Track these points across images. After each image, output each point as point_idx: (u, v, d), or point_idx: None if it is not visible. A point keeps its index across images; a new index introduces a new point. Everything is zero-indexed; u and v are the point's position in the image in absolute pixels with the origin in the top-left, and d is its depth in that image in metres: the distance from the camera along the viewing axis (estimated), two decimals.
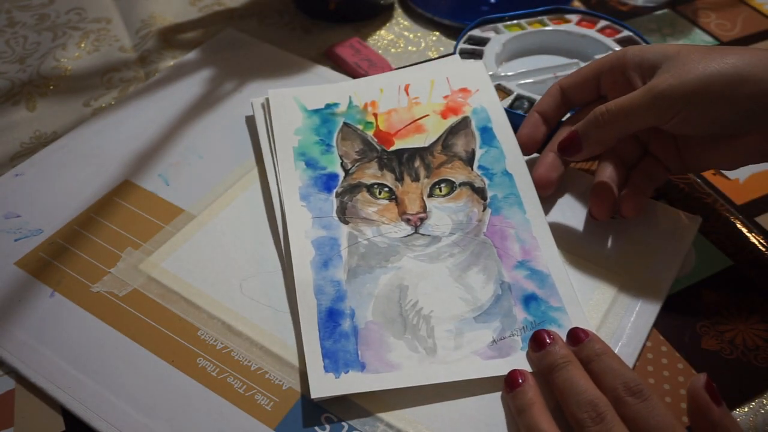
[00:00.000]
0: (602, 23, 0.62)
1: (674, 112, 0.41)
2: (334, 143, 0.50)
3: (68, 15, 0.68)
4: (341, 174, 0.48)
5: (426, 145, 0.50)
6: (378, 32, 0.66)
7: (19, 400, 0.39)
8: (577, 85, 0.48)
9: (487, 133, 0.51)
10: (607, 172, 0.46)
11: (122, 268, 0.45)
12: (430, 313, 0.42)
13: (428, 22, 0.68)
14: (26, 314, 0.43)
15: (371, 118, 0.52)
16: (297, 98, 0.53)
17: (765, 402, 0.39)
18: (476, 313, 0.42)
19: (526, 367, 0.39)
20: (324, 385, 0.38)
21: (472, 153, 0.50)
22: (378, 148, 0.50)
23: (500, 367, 0.39)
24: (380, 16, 0.68)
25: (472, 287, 0.43)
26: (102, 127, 0.55)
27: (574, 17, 0.63)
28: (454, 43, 0.61)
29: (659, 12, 0.69)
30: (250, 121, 0.54)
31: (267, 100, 0.53)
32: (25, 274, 0.45)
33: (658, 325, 0.43)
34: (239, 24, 0.67)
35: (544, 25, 0.63)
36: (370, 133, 0.51)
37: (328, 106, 0.52)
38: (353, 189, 0.47)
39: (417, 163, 0.49)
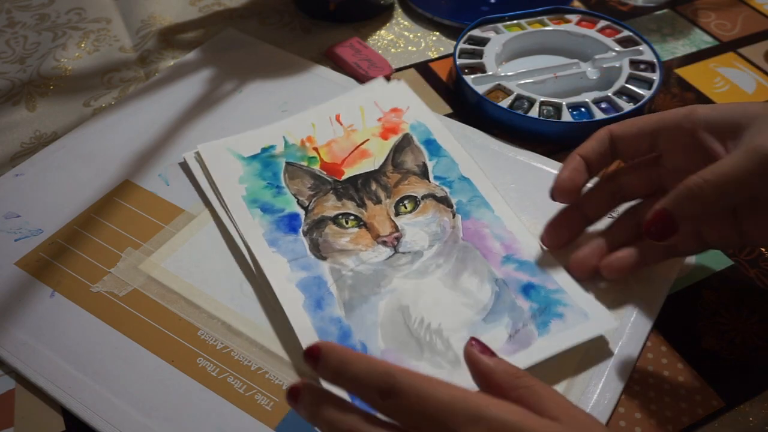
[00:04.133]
0: (602, 23, 0.62)
1: None
2: (283, 184, 0.49)
3: (68, 15, 0.68)
4: (301, 212, 0.47)
5: (376, 167, 0.50)
6: (378, 32, 0.66)
7: (19, 400, 0.39)
8: (631, 136, 0.42)
9: (432, 145, 0.51)
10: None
11: (122, 268, 0.45)
12: (439, 326, 0.41)
13: (428, 22, 0.68)
14: (26, 314, 0.43)
15: (313, 153, 0.51)
16: (230, 148, 0.51)
17: (765, 402, 0.39)
18: (483, 314, 0.41)
19: (548, 353, 0.39)
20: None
21: (424, 166, 0.50)
22: (329, 179, 0.49)
23: (526, 358, 0.39)
24: (380, 16, 0.68)
25: (470, 291, 0.43)
26: (102, 127, 0.55)
27: (574, 17, 0.63)
28: (454, 43, 0.61)
29: (659, 12, 0.69)
30: (188, 171, 0.51)
31: (198, 153, 0.51)
32: (25, 274, 0.45)
33: (658, 325, 0.43)
34: (239, 24, 0.67)
35: (544, 25, 0.63)
36: (316, 167, 0.50)
37: (264, 150, 0.51)
38: (319, 224, 0.46)
39: (374, 186, 0.48)
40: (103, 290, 0.44)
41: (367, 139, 0.52)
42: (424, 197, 0.48)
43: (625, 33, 0.61)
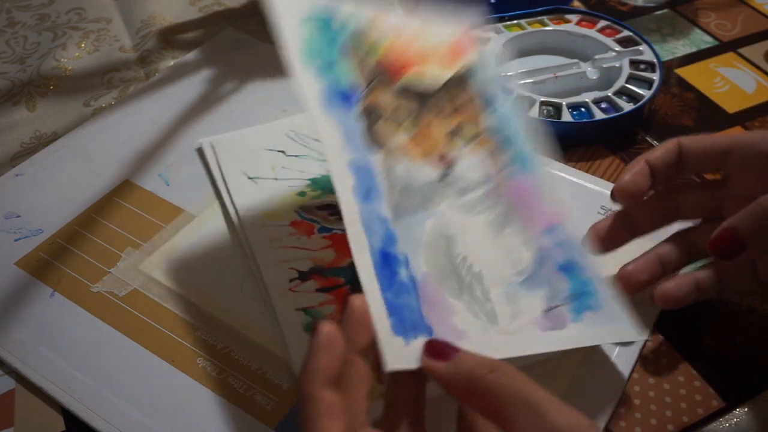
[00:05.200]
0: (602, 23, 0.62)
1: None
2: (343, 53, 0.40)
3: (68, 15, 0.68)
4: (358, 91, 0.40)
5: (439, 83, 0.43)
6: None
7: (19, 400, 0.39)
8: (703, 151, 0.41)
9: (495, 88, 0.45)
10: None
11: (122, 268, 0.45)
12: (480, 272, 0.37)
13: None
14: (26, 314, 0.43)
15: (379, 37, 0.42)
16: None
17: (765, 402, 0.39)
18: (522, 277, 0.38)
19: (581, 343, 0.37)
20: (397, 353, 0.31)
21: (487, 98, 0.44)
22: (390, 77, 0.41)
23: (560, 342, 0.36)
24: None
25: (511, 249, 0.39)
26: (102, 127, 0.55)
27: (574, 17, 0.63)
28: None
29: (659, 12, 0.69)
30: (187, 167, 0.51)
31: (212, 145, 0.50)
32: (25, 274, 0.45)
33: (658, 325, 0.43)
34: (239, 24, 0.67)
35: (544, 25, 0.63)
36: (379, 55, 0.42)
37: (330, 9, 0.42)
38: (371, 116, 0.40)
39: (435, 101, 0.42)
40: (103, 290, 0.44)
41: (435, 48, 0.44)
42: (480, 132, 0.42)
43: (625, 33, 0.61)
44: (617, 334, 0.39)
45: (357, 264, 0.34)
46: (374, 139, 0.38)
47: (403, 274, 0.35)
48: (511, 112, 0.44)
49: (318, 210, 0.48)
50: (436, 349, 0.31)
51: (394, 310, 0.33)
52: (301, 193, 0.49)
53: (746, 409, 0.39)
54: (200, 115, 0.56)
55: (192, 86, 0.59)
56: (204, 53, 0.62)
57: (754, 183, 0.38)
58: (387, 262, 0.34)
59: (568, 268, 0.40)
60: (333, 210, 0.48)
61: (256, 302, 0.43)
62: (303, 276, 0.44)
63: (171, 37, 0.65)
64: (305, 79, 0.38)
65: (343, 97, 0.39)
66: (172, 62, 0.62)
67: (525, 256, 0.39)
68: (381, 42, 0.42)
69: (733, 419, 0.39)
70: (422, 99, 0.42)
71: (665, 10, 0.69)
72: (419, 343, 0.32)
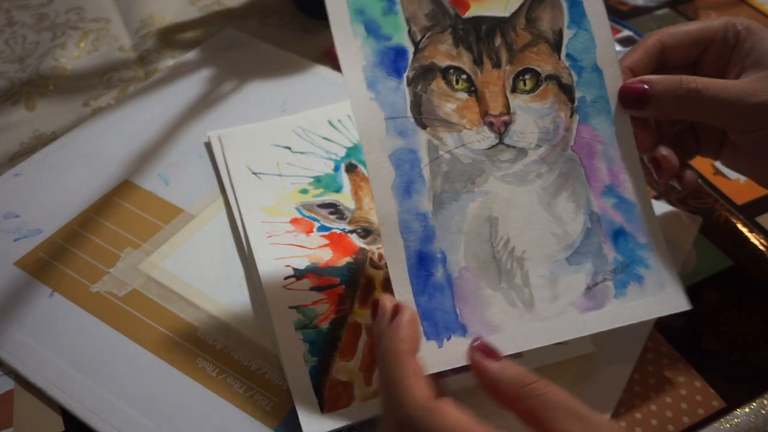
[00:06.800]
0: None
1: (759, 126, 0.38)
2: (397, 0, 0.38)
3: (67, 15, 0.68)
4: (410, 49, 0.38)
5: (506, 14, 0.40)
6: None
7: (18, 400, 0.39)
8: (683, 47, 0.41)
9: (576, 8, 0.41)
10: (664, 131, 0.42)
11: (122, 268, 0.45)
12: (522, 254, 0.37)
13: None
14: (26, 314, 0.43)
15: None
16: None
17: (765, 402, 0.39)
18: (568, 252, 0.37)
19: (620, 322, 0.36)
20: (432, 357, 0.33)
21: (560, 34, 0.40)
22: (451, 11, 0.39)
23: (598, 323, 0.36)
24: None
25: (563, 219, 0.38)
26: (102, 127, 0.55)
27: None
28: None
29: (659, 11, 0.69)
30: (190, 164, 0.52)
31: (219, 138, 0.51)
32: (25, 274, 0.45)
33: (658, 325, 0.43)
34: (239, 24, 0.66)
35: None
36: None
37: None
38: (426, 73, 0.38)
39: (498, 42, 0.39)
40: (102, 290, 0.44)
41: None
42: (548, 78, 0.39)
43: (626, 32, 0.61)
44: (662, 306, 0.38)
45: (390, 270, 0.34)
46: (423, 113, 0.37)
47: (438, 273, 0.35)
48: (600, 26, 0.41)
49: (319, 208, 0.48)
50: (486, 348, 0.32)
51: (427, 314, 0.34)
52: (304, 191, 0.49)
53: (747, 410, 0.39)
54: (200, 115, 0.56)
55: (191, 86, 0.58)
56: (203, 53, 0.62)
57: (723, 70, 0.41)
58: (423, 264, 0.35)
59: (619, 235, 0.38)
60: (334, 209, 0.48)
61: (255, 302, 0.43)
62: (298, 274, 0.44)
63: (170, 37, 0.65)
64: (349, 46, 0.37)
65: (394, 57, 0.38)
66: (171, 62, 0.62)
67: (576, 226, 0.38)
68: None
69: (733, 419, 0.39)
70: (487, 39, 0.39)
71: (665, 10, 0.69)
72: (453, 343, 0.33)
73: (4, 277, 0.45)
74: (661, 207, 0.48)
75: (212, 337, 0.42)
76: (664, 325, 0.42)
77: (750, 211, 0.50)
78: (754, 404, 0.39)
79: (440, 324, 0.34)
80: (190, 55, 0.62)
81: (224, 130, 0.52)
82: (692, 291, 0.44)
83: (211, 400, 0.39)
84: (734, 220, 0.49)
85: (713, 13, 0.69)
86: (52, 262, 0.45)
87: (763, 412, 0.39)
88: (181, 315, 0.43)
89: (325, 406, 0.38)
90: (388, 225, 0.35)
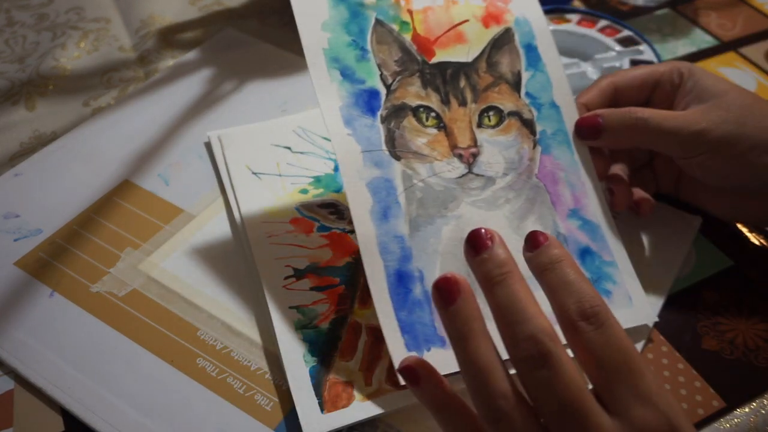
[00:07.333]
0: (602, 23, 0.62)
1: (699, 152, 0.41)
2: (368, 47, 0.42)
3: (67, 14, 0.68)
4: (382, 90, 0.41)
5: (469, 59, 0.44)
6: None
7: (18, 400, 0.39)
8: (633, 88, 0.46)
9: (532, 53, 0.45)
10: (619, 166, 0.46)
11: (122, 268, 0.45)
12: None
13: None
14: (26, 314, 0.43)
15: (406, 17, 0.43)
16: None
17: (765, 402, 0.39)
18: None
19: None
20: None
21: (518, 76, 0.45)
22: (419, 58, 0.43)
23: None
24: None
25: None
26: (102, 127, 0.55)
27: (574, 17, 0.63)
28: None
29: (659, 12, 0.69)
30: (190, 163, 0.52)
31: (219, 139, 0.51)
32: (25, 274, 0.45)
33: (658, 325, 0.43)
34: (239, 24, 0.66)
35: None
36: (407, 37, 0.43)
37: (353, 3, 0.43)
38: (398, 112, 0.41)
39: (462, 83, 0.43)
40: (102, 290, 0.44)
41: (467, 20, 0.45)
42: (510, 114, 0.43)
43: (626, 33, 0.61)
44: (630, 318, 0.40)
45: (372, 289, 0.37)
46: (397, 147, 0.40)
47: (417, 290, 0.38)
48: (554, 68, 0.45)
49: (319, 208, 0.48)
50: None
51: (407, 328, 0.36)
52: (304, 191, 0.49)
53: (746, 410, 0.39)
54: (200, 115, 0.56)
55: (191, 86, 0.58)
56: (203, 53, 0.62)
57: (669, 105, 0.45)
58: (401, 282, 0.38)
59: (585, 254, 0.41)
60: (334, 209, 0.48)
61: (255, 302, 0.43)
62: (298, 274, 0.44)
63: (170, 37, 0.65)
64: (326, 88, 0.40)
65: (368, 98, 0.41)
66: (171, 62, 0.62)
67: None
68: (411, 19, 0.43)
69: (733, 419, 0.39)
70: (453, 81, 0.43)
71: (666, 10, 0.69)
72: (433, 354, 0.36)
73: (4, 277, 0.45)
74: (661, 207, 0.48)
75: (212, 337, 0.42)
76: (664, 326, 0.43)
77: None
78: (754, 404, 0.39)
79: (420, 336, 0.37)
80: (190, 55, 0.62)
81: (224, 130, 0.52)
82: (692, 291, 0.45)
83: (211, 400, 0.39)
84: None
85: (713, 13, 0.69)
86: (52, 262, 0.45)
87: (763, 412, 0.39)
88: (181, 315, 0.43)
89: (325, 406, 0.38)
90: (367, 246, 0.38)
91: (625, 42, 0.60)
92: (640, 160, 0.48)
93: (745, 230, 0.48)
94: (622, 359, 0.29)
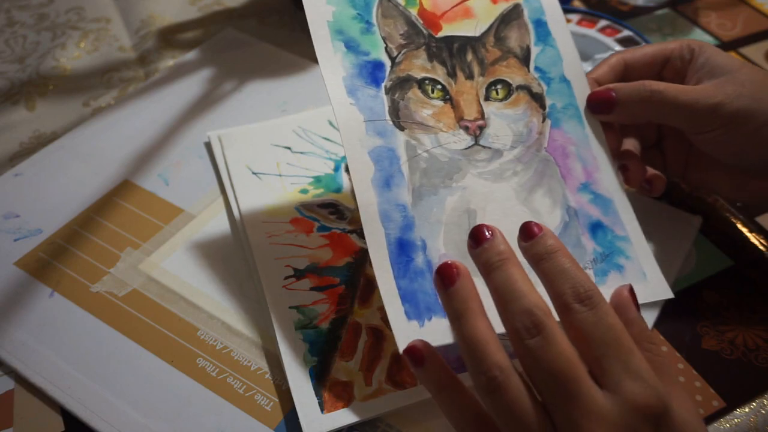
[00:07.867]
0: (602, 23, 0.62)
1: (713, 127, 0.41)
2: (373, 21, 0.42)
3: (67, 15, 0.68)
4: (387, 62, 0.41)
5: (477, 34, 0.43)
6: None
7: (18, 400, 0.39)
8: (644, 64, 0.45)
9: (541, 28, 0.45)
10: (631, 141, 0.46)
11: (122, 268, 0.45)
12: None
13: None
14: (26, 314, 0.43)
15: None
16: None
17: (765, 402, 0.39)
18: None
19: None
20: (411, 337, 0.34)
21: (527, 50, 0.44)
22: (425, 32, 0.42)
23: None
24: None
25: (540, 212, 0.40)
26: (102, 127, 0.55)
27: (575, 17, 0.63)
28: None
29: (659, 12, 0.69)
30: (190, 163, 0.52)
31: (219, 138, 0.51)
32: (25, 274, 0.45)
33: (659, 325, 0.43)
34: (239, 24, 0.66)
35: None
36: (413, 11, 0.43)
37: None
38: (403, 84, 0.41)
39: (469, 57, 0.43)
40: (102, 290, 0.44)
41: None
42: (519, 88, 0.43)
43: (626, 33, 0.61)
44: (644, 293, 0.39)
45: (372, 257, 0.36)
46: (401, 117, 0.40)
47: (419, 259, 0.37)
48: (564, 43, 0.45)
49: (319, 208, 0.48)
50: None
51: (408, 296, 0.36)
52: (304, 191, 0.49)
53: (746, 410, 0.39)
54: (200, 115, 0.56)
55: (191, 86, 0.58)
56: (203, 53, 0.62)
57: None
58: (403, 250, 0.37)
59: (597, 228, 0.40)
60: (334, 209, 0.48)
61: (255, 302, 0.43)
62: (298, 274, 0.44)
63: (170, 37, 0.65)
64: (329, 60, 0.40)
65: (372, 70, 0.40)
66: (171, 62, 0.62)
67: (553, 219, 0.40)
68: None
69: (733, 419, 0.39)
70: (459, 55, 0.42)
71: (666, 10, 0.69)
72: (434, 323, 0.35)
73: (4, 277, 0.45)
74: (661, 207, 0.48)
75: (212, 337, 0.42)
76: (664, 326, 0.43)
77: (750, 211, 0.50)
78: (754, 404, 0.39)
79: (421, 305, 0.36)
80: (190, 55, 0.62)
81: (224, 130, 0.52)
82: (692, 291, 0.45)
83: (211, 400, 0.39)
84: (734, 220, 0.49)
85: (713, 13, 0.69)
86: (52, 262, 0.45)
87: (763, 412, 0.39)
88: (181, 315, 0.43)
89: (325, 406, 0.38)
90: (368, 214, 0.37)
91: (625, 42, 0.60)
92: (649, 139, 0.47)
93: (745, 230, 0.48)
94: (612, 336, 0.30)
